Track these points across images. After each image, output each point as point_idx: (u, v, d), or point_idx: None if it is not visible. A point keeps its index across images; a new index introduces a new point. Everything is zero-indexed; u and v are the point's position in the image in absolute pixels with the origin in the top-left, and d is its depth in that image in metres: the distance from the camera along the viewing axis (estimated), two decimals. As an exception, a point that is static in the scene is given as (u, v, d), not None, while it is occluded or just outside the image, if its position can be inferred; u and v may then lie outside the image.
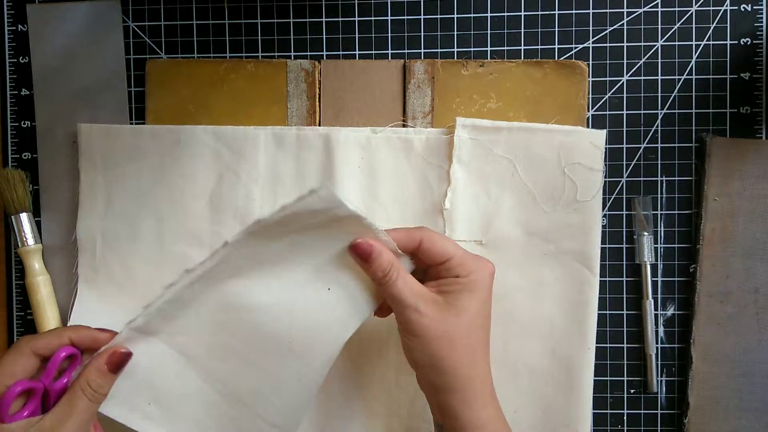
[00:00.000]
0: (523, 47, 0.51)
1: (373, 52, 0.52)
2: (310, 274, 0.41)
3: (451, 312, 0.39)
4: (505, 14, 0.51)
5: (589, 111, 0.51)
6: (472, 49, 0.51)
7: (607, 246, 0.51)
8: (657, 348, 0.51)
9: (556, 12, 0.51)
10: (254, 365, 0.41)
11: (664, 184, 0.51)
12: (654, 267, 0.51)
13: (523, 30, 0.51)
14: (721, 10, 0.50)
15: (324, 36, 0.52)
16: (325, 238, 0.40)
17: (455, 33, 0.51)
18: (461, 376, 0.39)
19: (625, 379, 0.51)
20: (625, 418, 0.51)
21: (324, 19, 0.52)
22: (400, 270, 0.40)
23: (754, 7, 0.50)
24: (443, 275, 0.41)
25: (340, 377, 0.50)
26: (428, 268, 0.42)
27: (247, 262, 0.40)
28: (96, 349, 0.40)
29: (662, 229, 0.51)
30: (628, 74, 0.50)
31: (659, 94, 0.50)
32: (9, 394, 0.37)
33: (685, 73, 0.50)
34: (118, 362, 0.40)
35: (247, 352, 0.41)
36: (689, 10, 0.50)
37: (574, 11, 0.51)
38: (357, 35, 0.52)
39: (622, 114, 0.51)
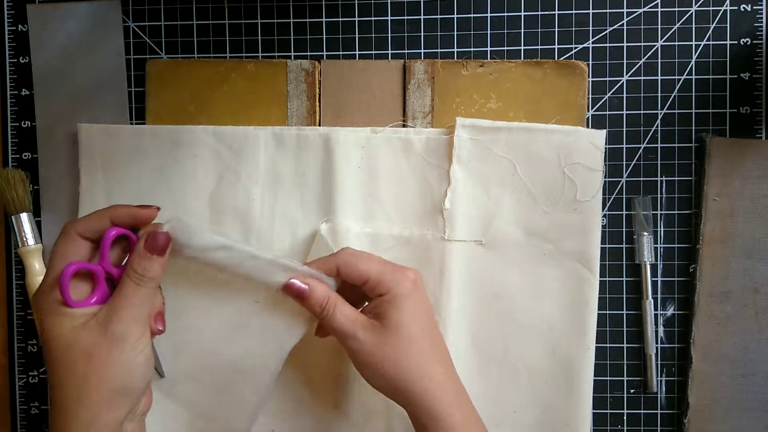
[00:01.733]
0: (523, 47, 0.51)
1: (373, 52, 0.51)
2: (242, 299, 0.43)
3: (387, 333, 0.40)
4: (505, 14, 0.51)
5: (589, 111, 0.51)
6: (472, 49, 0.51)
7: (607, 246, 0.51)
8: (657, 348, 0.51)
9: (556, 12, 0.51)
10: (217, 389, 0.45)
11: (664, 184, 0.51)
12: (654, 267, 0.51)
13: (523, 30, 0.51)
14: (721, 10, 0.50)
15: (324, 36, 0.52)
16: (248, 276, 0.42)
17: (455, 33, 0.51)
18: (416, 391, 0.40)
19: (625, 379, 0.51)
20: (625, 418, 0.51)
21: (324, 19, 0.52)
22: (337, 301, 0.41)
23: (754, 7, 0.50)
24: (371, 296, 0.42)
25: (335, 381, 0.50)
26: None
27: (186, 293, 0.43)
28: (140, 226, 0.39)
29: (662, 229, 0.51)
30: (628, 74, 0.50)
31: (659, 94, 0.50)
32: (64, 275, 0.36)
33: (685, 73, 0.50)
34: (156, 244, 0.38)
35: (205, 379, 0.45)
36: (689, 10, 0.50)
37: (574, 11, 0.51)
38: (357, 35, 0.52)
39: (622, 114, 0.51)
